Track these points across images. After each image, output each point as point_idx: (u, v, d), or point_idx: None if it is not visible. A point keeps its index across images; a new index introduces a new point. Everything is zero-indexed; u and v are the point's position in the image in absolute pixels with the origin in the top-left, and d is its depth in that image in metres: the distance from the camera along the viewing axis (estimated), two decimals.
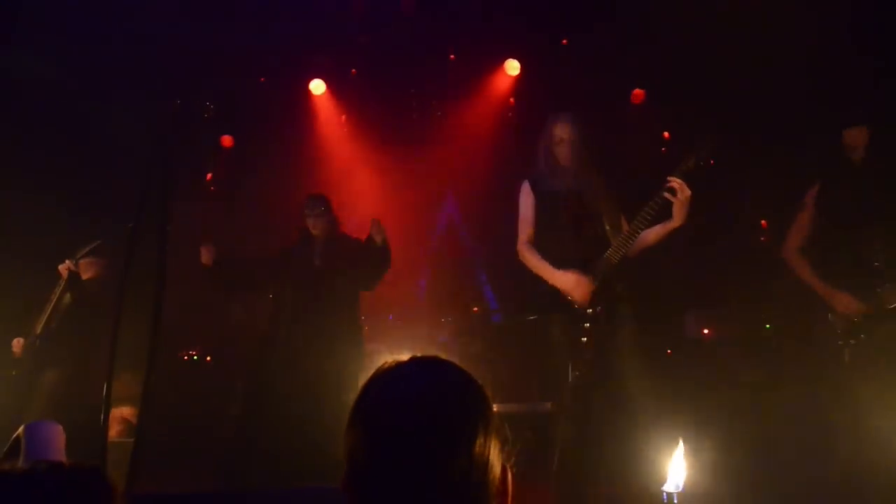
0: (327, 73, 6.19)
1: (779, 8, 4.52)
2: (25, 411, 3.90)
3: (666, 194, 2.79)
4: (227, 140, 6.56)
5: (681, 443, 1.19)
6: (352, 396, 1.01)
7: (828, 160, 3.23)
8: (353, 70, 6.13)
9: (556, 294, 2.93)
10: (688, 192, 2.78)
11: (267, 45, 5.46)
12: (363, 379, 1.02)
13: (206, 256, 4.01)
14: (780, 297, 4.90)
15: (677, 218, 2.84)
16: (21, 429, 1.54)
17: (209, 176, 6.81)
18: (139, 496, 2.23)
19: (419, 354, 1.06)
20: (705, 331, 5.03)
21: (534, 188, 3.18)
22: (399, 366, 1.04)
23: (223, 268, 4.09)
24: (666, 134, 2.88)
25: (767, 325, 4.84)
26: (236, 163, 6.52)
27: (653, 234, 2.99)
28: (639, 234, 2.88)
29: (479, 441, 0.95)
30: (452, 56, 6.07)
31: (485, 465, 0.95)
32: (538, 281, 3.04)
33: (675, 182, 2.77)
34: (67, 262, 4.23)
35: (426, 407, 0.96)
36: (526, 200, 3.19)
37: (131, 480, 2.53)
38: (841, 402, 2.99)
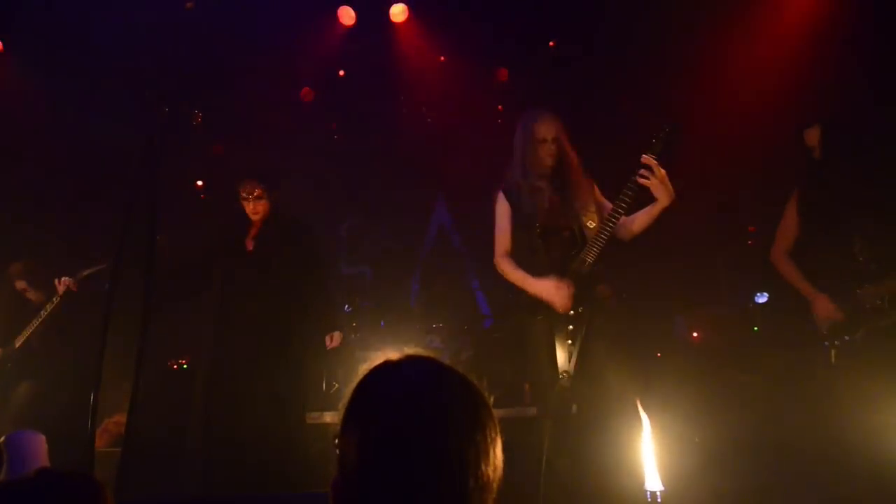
0: (315, 79, 6.19)
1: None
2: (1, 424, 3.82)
3: (640, 180, 2.66)
4: (217, 148, 6.54)
5: (646, 430, 1.18)
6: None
7: (800, 164, 3.26)
8: (342, 73, 6.12)
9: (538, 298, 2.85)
10: (663, 171, 2.66)
11: (255, 52, 5.46)
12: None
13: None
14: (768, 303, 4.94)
15: (661, 197, 2.71)
16: (2, 440, 1.53)
17: (200, 184, 6.79)
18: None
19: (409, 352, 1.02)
20: (695, 334, 5.04)
21: (509, 198, 2.98)
22: (394, 366, 1.00)
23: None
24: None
25: (756, 328, 4.87)
26: (227, 170, 6.50)
27: (637, 222, 2.87)
28: (612, 226, 2.72)
29: (486, 440, 0.92)
30: (442, 59, 6.08)
31: (491, 463, 0.92)
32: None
33: (648, 161, 2.64)
34: (67, 279, 4.10)
35: (433, 407, 0.93)
36: (502, 211, 2.99)
37: (119, 490, 2.51)
38: (828, 403, 3.01)
